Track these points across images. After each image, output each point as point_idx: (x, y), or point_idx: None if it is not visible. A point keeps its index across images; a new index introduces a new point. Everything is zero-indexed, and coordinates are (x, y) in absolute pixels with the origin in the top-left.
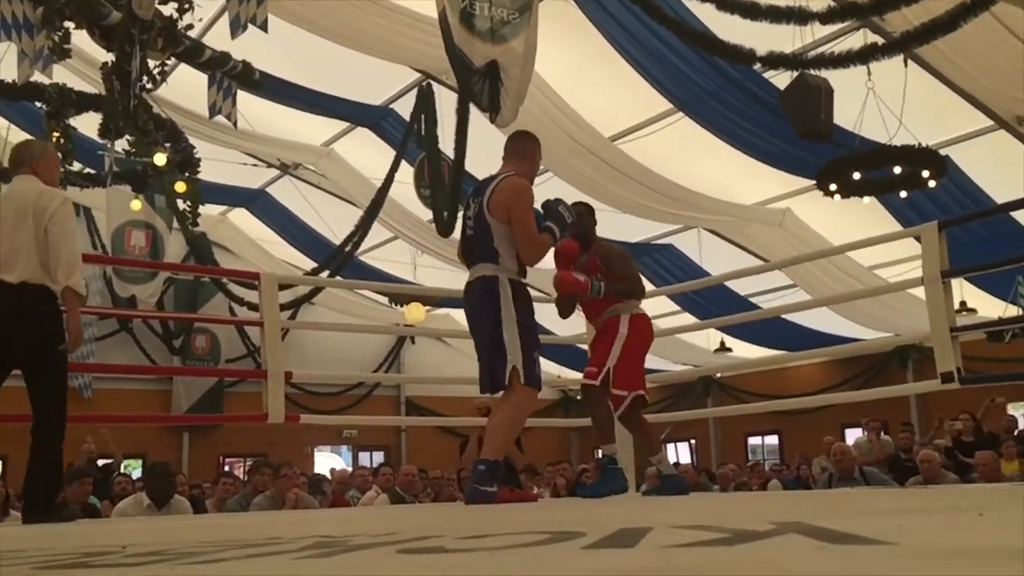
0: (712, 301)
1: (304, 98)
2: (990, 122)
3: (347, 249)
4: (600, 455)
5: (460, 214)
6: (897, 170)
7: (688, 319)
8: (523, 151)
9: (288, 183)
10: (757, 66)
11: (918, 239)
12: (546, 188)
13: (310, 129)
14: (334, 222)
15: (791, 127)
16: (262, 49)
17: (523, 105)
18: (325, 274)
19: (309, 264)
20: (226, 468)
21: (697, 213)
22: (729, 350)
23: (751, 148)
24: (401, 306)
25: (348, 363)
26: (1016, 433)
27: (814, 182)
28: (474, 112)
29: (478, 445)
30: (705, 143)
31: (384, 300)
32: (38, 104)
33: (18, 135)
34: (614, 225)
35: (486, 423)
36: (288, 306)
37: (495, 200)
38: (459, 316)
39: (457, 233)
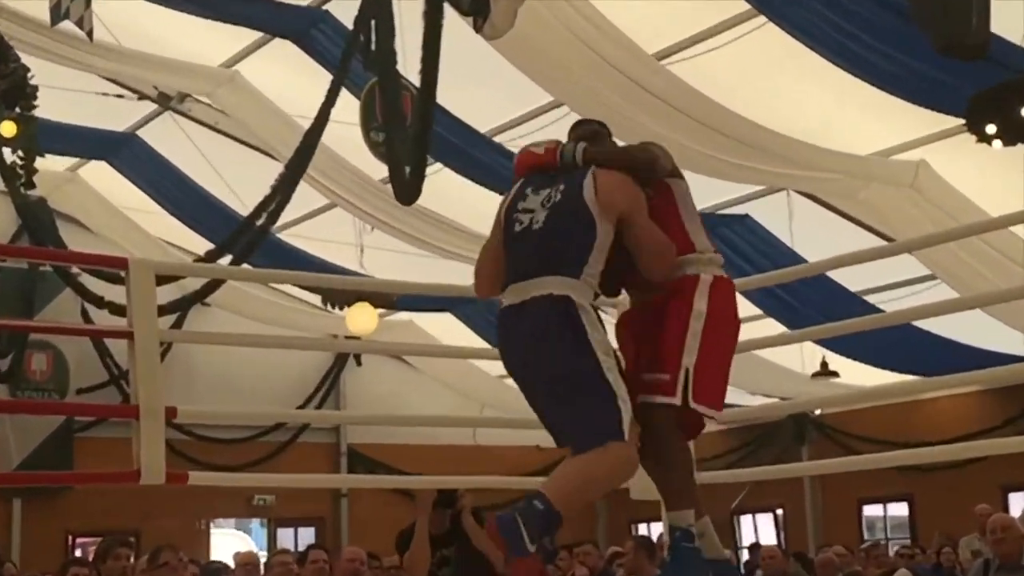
0: (809, 301)
1: None
2: None
3: (259, 223)
4: (665, 529)
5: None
6: None
7: (773, 327)
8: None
9: (170, 123)
10: None
11: None
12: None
13: (203, 43)
14: (239, 182)
15: (926, 38)
16: None
17: (526, 6)
18: (226, 260)
19: (203, 245)
20: (77, 552)
21: (785, 168)
22: (834, 375)
23: (866, 70)
24: (341, 309)
25: (261, 395)
26: None
27: (962, 121)
28: (450, 15)
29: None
30: (797, 63)
31: (316, 300)
32: None
33: None
34: None
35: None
36: (171, 308)
37: (605, 193)
38: (426, 323)
39: (440, 205)
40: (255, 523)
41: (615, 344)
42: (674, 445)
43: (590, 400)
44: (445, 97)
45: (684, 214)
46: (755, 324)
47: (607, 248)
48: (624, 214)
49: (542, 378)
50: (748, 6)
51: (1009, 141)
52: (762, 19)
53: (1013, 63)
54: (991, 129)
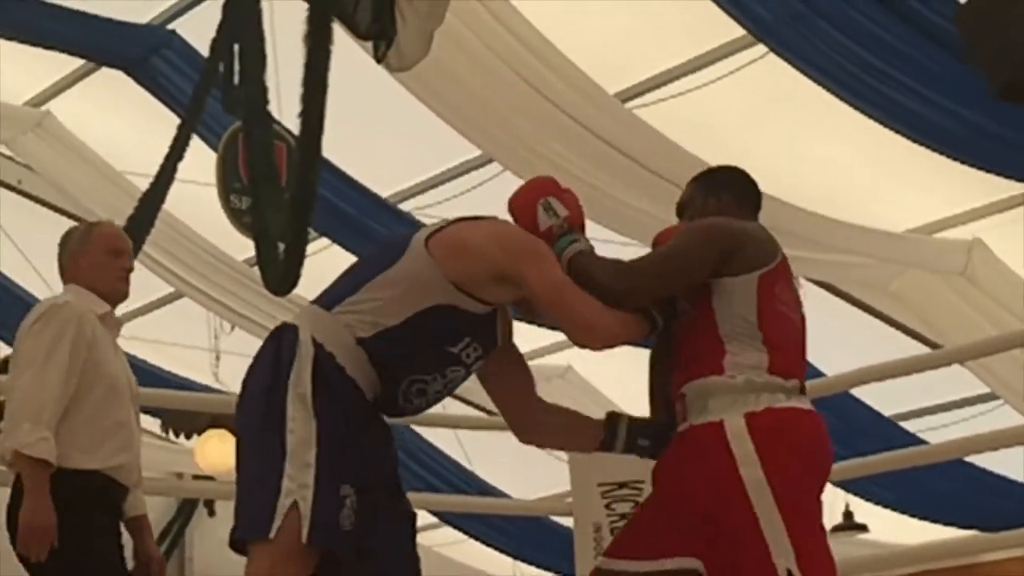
0: (828, 427)
1: None
2: None
3: None
4: None
5: None
6: None
7: None
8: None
9: None
10: None
11: None
12: (486, 194)
13: (4, 74)
14: (49, 262)
15: (980, 77)
16: None
17: (445, 27)
18: None
19: (0, 350)
20: None
21: (793, 249)
22: (862, 528)
23: (901, 119)
24: (188, 438)
25: None
26: None
27: None
28: (343, 41)
29: None
30: (809, 109)
31: (154, 426)
32: None
33: None
34: None
35: None
36: None
37: (457, 234)
38: None
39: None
40: None
41: None
42: None
43: (253, 464)
44: (334, 150)
45: (720, 320)
46: None
47: (406, 291)
48: (508, 264)
49: (236, 419)
50: (742, 32)
51: None
52: (761, 48)
53: None
54: None
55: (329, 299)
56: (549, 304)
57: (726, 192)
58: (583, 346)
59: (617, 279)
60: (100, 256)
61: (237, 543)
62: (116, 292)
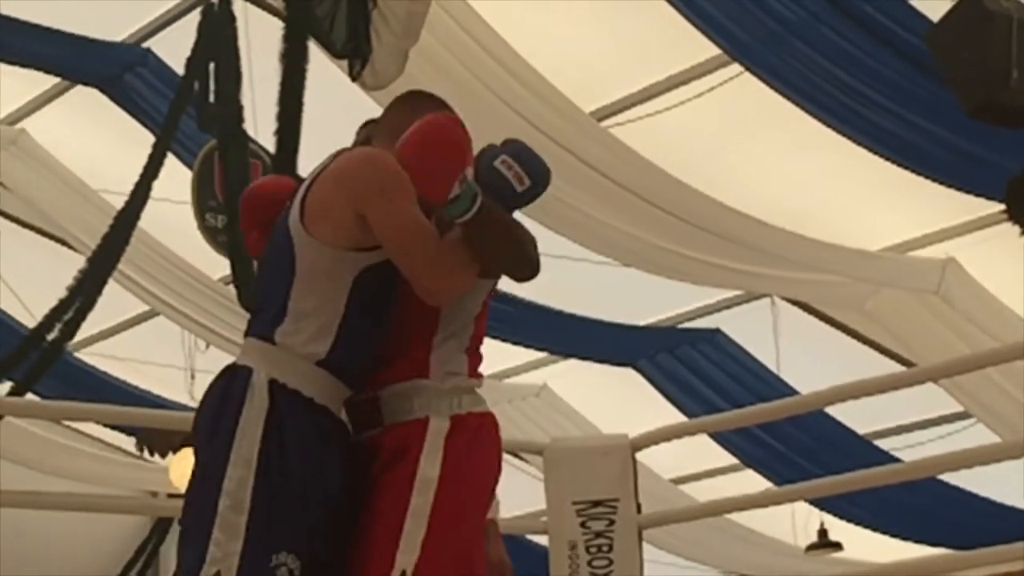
0: (800, 446)
1: None
2: None
3: (51, 337)
4: None
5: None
6: None
7: (754, 482)
8: (402, 125)
9: None
10: None
11: None
12: None
13: None
14: (23, 280)
15: (953, 97)
16: None
17: (420, 46)
18: (3, 389)
19: None
20: None
21: (769, 268)
22: (836, 546)
23: (873, 137)
24: (163, 457)
25: None
26: None
27: (1001, 207)
28: (320, 61)
29: None
30: (785, 128)
31: (128, 444)
32: None
33: None
34: (604, 290)
35: None
36: None
37: (314, 195)
38: None
39: None
40: None
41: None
42: None
43: (187, 525)
44: (310, 168)
45: (443, 312)
46: (729, 478)
47: (331, 276)
48: (356, 206)
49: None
50: (718, 51)
51: None
52: (736, 68)
53: None
54: None
55: (264, 330)
56: (395, 252)
57: None
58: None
59: (532, 248)
60: None
61: None
62: None
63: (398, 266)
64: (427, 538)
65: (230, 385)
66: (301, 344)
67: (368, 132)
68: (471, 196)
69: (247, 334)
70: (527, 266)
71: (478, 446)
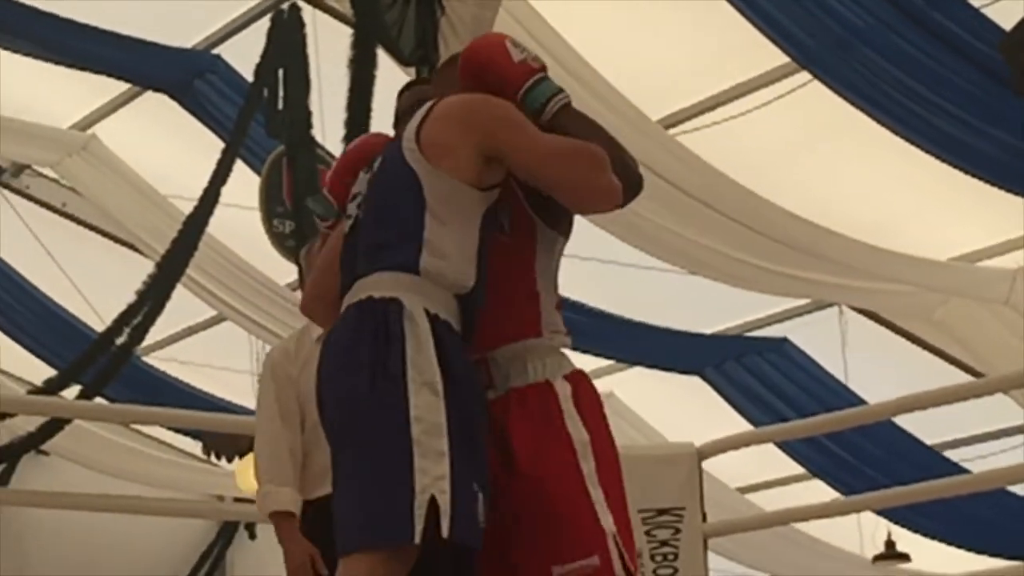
0: (869, 456)
1: (38, 34)
2: None
3: (119, 342)
4: None
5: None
6: None
7: (821, 491)
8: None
9: None
10: None
11: None
12: None
13: (48, 97)
14: (93, 285)
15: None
16: None
17: None
18: (73, 392)
19: (41, 372)
20: None
21: (837, 277)
22: (904, 557)
23: (943, 145)
24: (230, 461)
25: None
26: None
27: None
28: (387, 67)
29: None
30: (854, 137)
31: (195, 448)
32: None
33: None
34: (671, 298)
35: None
36: None
37: (431, 129)
38: None
39: None
40: None
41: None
42: None
43: (370, 462)
44: None
45: (539, 269)
46: (797, 487)
47: (462, 210)
48: (485, 144)
49: (328, 418)
50: (786, 59)
51: None
52: (805, 75)
53: None
54: None
55: (404, 259)
56: (556, 167)
57: None
58: (594, 212)
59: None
60: None
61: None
62: None
63: (556, 187)
64: (607, 500)
65: (372, 316)
66: (451, 273)
67: (416, 95)
68: (548, 81)
69: (365, 273)
70: (634, 165)
71: (597, 404)
